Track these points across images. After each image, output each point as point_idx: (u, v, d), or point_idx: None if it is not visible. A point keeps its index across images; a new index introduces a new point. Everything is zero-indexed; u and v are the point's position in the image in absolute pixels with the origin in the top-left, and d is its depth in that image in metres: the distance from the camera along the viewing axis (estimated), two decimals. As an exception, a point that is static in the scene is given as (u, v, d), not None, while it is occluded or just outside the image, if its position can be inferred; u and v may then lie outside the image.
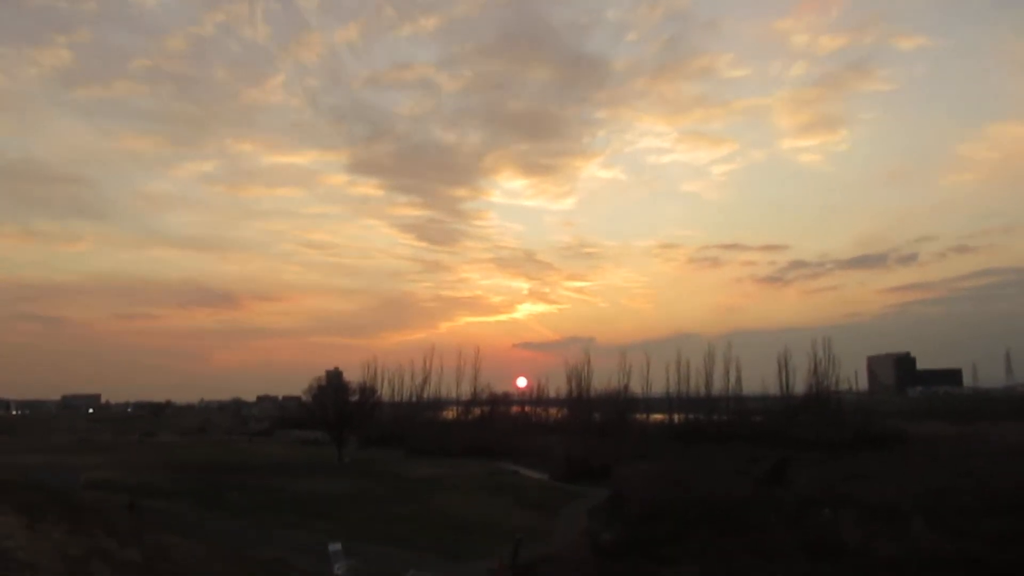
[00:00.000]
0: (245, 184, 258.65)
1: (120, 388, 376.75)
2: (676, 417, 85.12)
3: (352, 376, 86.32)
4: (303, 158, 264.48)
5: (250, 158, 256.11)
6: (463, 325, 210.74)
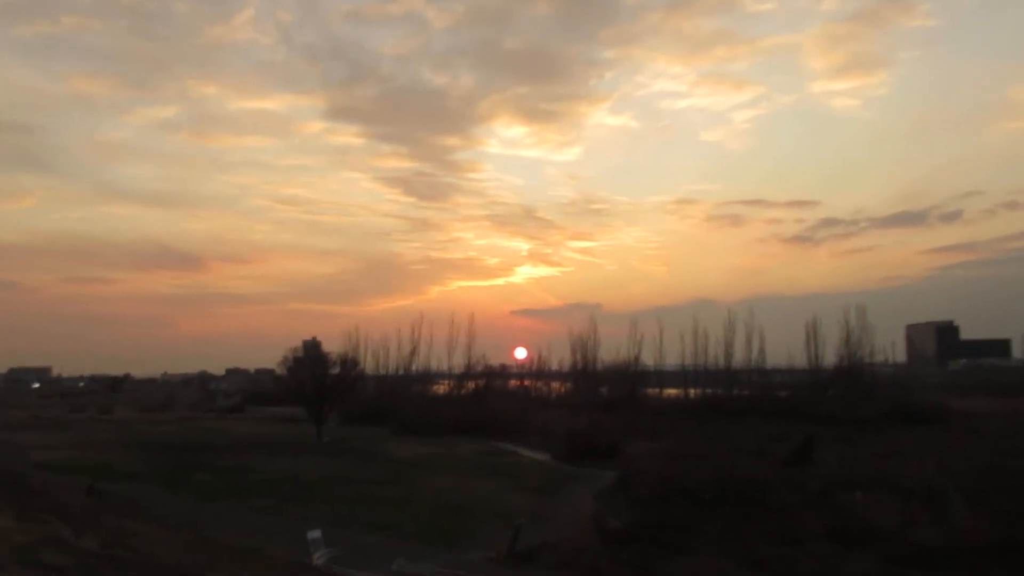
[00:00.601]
0: (210, 132, 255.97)
1: (72, 360, 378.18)
2: (692, 391, 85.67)
3: (332, 347, 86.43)
4: (275, 103, 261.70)
5: (215, 103, 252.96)
6: (455, 290, 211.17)
